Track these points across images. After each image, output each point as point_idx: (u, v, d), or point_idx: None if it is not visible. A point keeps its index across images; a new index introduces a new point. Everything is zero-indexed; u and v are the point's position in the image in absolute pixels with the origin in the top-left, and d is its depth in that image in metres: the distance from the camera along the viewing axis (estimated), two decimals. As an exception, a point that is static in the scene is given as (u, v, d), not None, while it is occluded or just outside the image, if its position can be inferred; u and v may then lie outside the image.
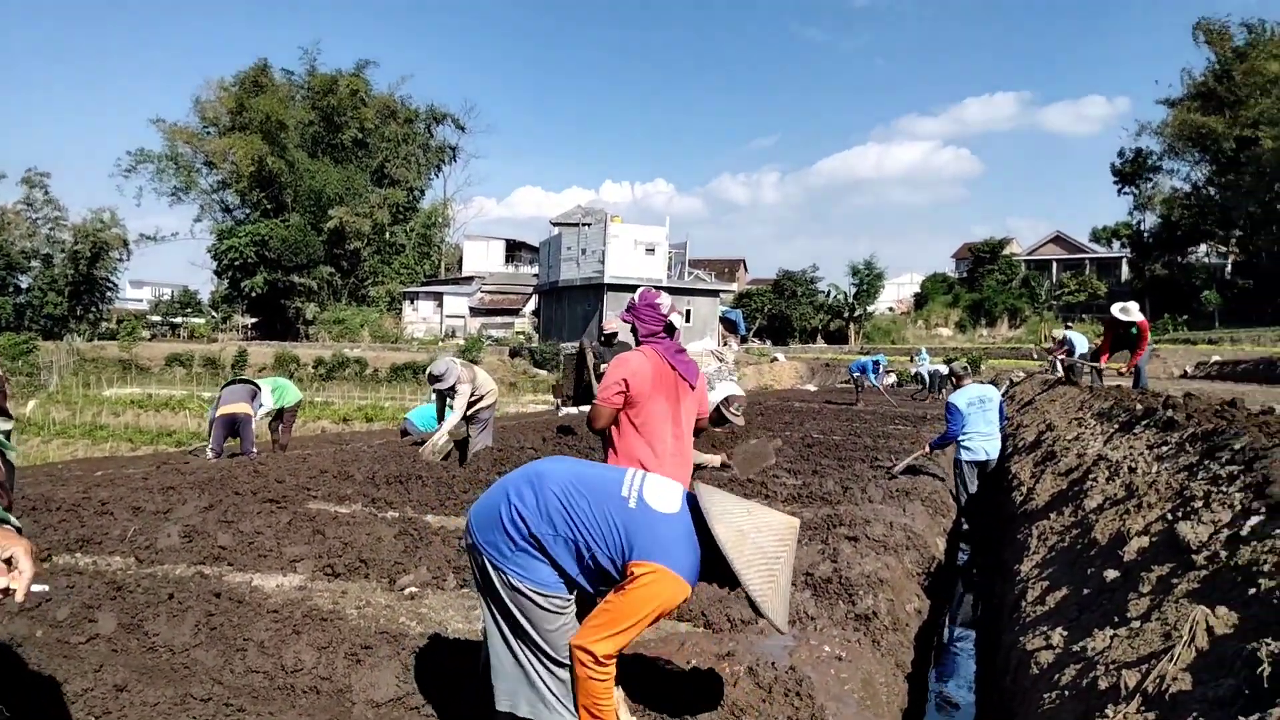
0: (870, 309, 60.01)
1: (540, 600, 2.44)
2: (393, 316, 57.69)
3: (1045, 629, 3.09)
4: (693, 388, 4.04)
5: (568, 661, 2.47)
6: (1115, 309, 10.40)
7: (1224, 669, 1.94)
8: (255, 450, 10.03)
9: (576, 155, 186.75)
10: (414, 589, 4.51)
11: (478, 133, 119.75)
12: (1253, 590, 2.18)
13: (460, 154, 68.91)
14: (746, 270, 74.96)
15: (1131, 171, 58.19)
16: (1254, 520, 2.59)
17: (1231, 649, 1.97)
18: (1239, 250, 52.53)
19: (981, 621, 5.98)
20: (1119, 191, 60.28)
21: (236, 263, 54.01)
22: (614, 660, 2.43)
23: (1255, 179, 46.58)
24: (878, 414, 17.09)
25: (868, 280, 58.65)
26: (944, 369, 24.54)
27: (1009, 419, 11.48)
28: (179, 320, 55.43)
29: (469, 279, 60.44)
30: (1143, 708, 2.05)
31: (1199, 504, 2.92)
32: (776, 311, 57.67)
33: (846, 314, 58.73)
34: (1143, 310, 10.65)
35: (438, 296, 58.22)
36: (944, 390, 19.60)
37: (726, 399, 9.82)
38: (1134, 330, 10.15)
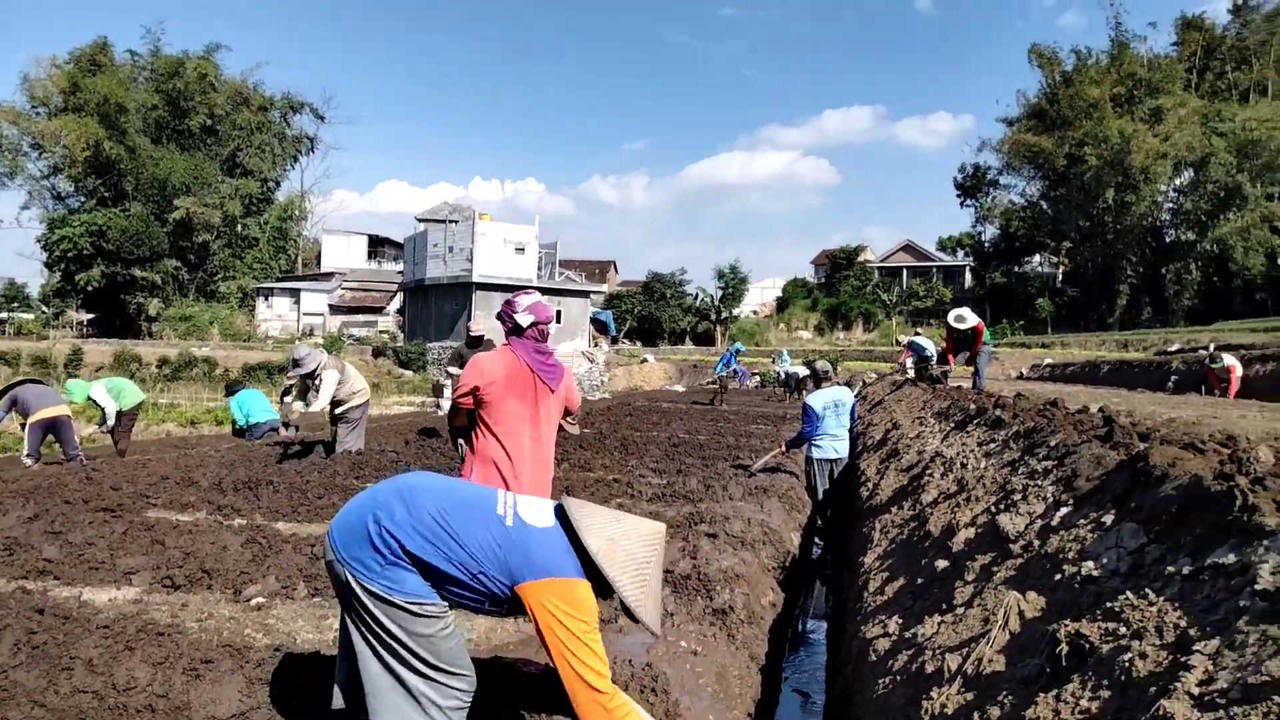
0: (736, 312, 61.80)
1: (415, 609, 2.39)
2: (245, 314, 54.68)
3: (883, 618, 3.28)
4: (553, 390, 4.05)
5: (448, 668, 2.45)
6: (951, 318, 11.44)
7: (1032, 650, 2.12)
8: (82, 454, 9.33)
9: (445, 150, 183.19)
10: (261, 599, 4.31)
11: (338, 123, 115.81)
12: (1059, 576, 2.39)
13: (319, 145, 66.11)
14: (617, 272, 75.55)
15: (972, 185, 62.36)
16: (1063, 511, 2.84)
17: (1038, 631, 2.15)
18: (1069, 261, 57.07)
19: (832, 613, 6.25)
20: (962, 204, 64.58)
21: (70, 254, 49.86)
22: (607, 682, 2.42)
23: (1082, 194, 50.83)
24: (741, 414, 17.61)
25: (733, 284, 60.41)
26: (804, 370, 25.56)
27: (860, 418, 12.07)
28: (4, 316, 50.79)
29: (328, 275, 58.12)
30: (963, 689, 2.21)
31: (1018, 497, 3.18)
32: (646, 313, 58.49)
33: (713, 316, 60.19)
34: (984, 316, 11.66)
35: (294, 293, 55.67)
36: (804, 390, 20.34)
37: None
38: (970, 333, 11.14)
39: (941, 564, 3.23)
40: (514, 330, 3.94)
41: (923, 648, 2.64)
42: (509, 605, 2.49)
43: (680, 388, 33.90)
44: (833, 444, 8.40)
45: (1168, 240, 52.39)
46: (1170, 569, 1.97)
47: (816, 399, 8.38)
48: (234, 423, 11.88)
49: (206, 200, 53.42)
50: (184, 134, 55.92)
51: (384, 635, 2.40)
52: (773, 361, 31.79)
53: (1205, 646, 1.53)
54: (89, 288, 50.75)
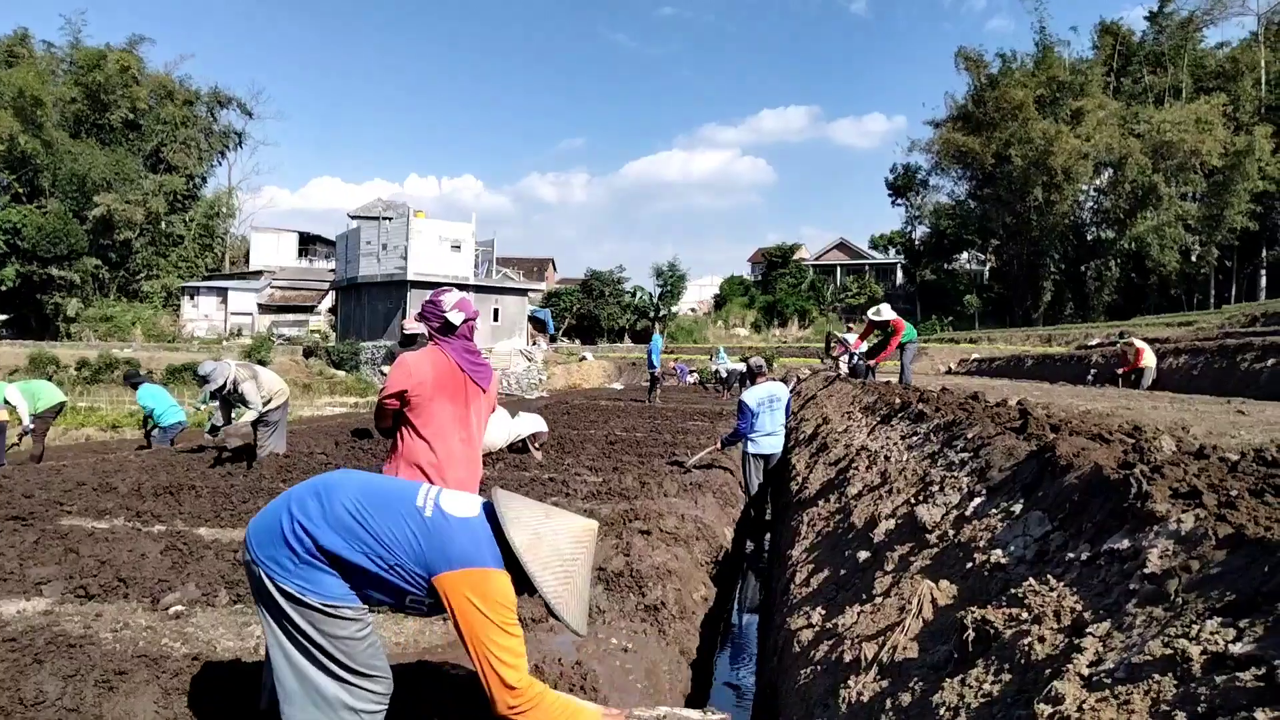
0: (674, 309, 62.16)
1: (330, 611, 2.34)
2: (170, 314, 52.93)
3: (807, 609, 3.34)
4: (484, 390, 3.99)
5: (363, 671, 2.40)
6: (870, 311, 11.87)
7: (943, 637, 2.18)
8: (5, 460, 8.94)
9: (380, 146, 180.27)
10: (180, 607, 4.19)
11: (267, 118, 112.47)
12: (970, 564, 2.46)
13: (247, 140, 64.35)
14: (555, 270, 75.23)
15: (903, 185, 63.84)
16: (976, 501, 2.92)
17: (950, 619, 2.21)
18: (996, 258, 58.78)
19: (764, 606, 6.34)
20: (893, 203, 66.04)
21: (-19, 252, 47.68)
22: (522, 676, 2.37)
23: (1008, 194, 52.41)
24: (678, 411, 17.71)
25: (671, 282, 60.73)
26: (743, 367, 25.82)
27: (794, 414, 12.25)
28: (-90, 317, 48.24)
29: (257, 274, 56.57)
30: (878, 676, 2.26)
31: (936, 488, 3.26)
32: (585, 311, 58.39)
33: (652, 314, 60.39)
34: (914, 312, 12.09)
35: (221, 292, 54.03)
36: (742, 387, 20.52)
37: (534, 435, 9.89)
38: (889, 329, 11.53)
39: (863, 555, 3.30)
40: (444, 329, 3.87)
41: (843, 637, 2.69)
42: (429, 602, 2.44)
43: (619, 385, 33.95)
44: (768, 440, 8.43)
45: (1089, 238, 54.42)
46: (1071, 555, 2.04)
47: (752, 395, 8.45)
48: (145, 420, 11.49)
49: (128, 197, 51.60)
50: (105, 128, 53.95)
51: (298, 636, 2.36)
52: (710, 359, 32.02)
53: (1097, 629, 1.59)
54: (2, 287, 48.50)
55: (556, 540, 2.44)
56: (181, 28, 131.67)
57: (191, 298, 54.28)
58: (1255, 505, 1.79)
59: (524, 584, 2.46)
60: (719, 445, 9.17)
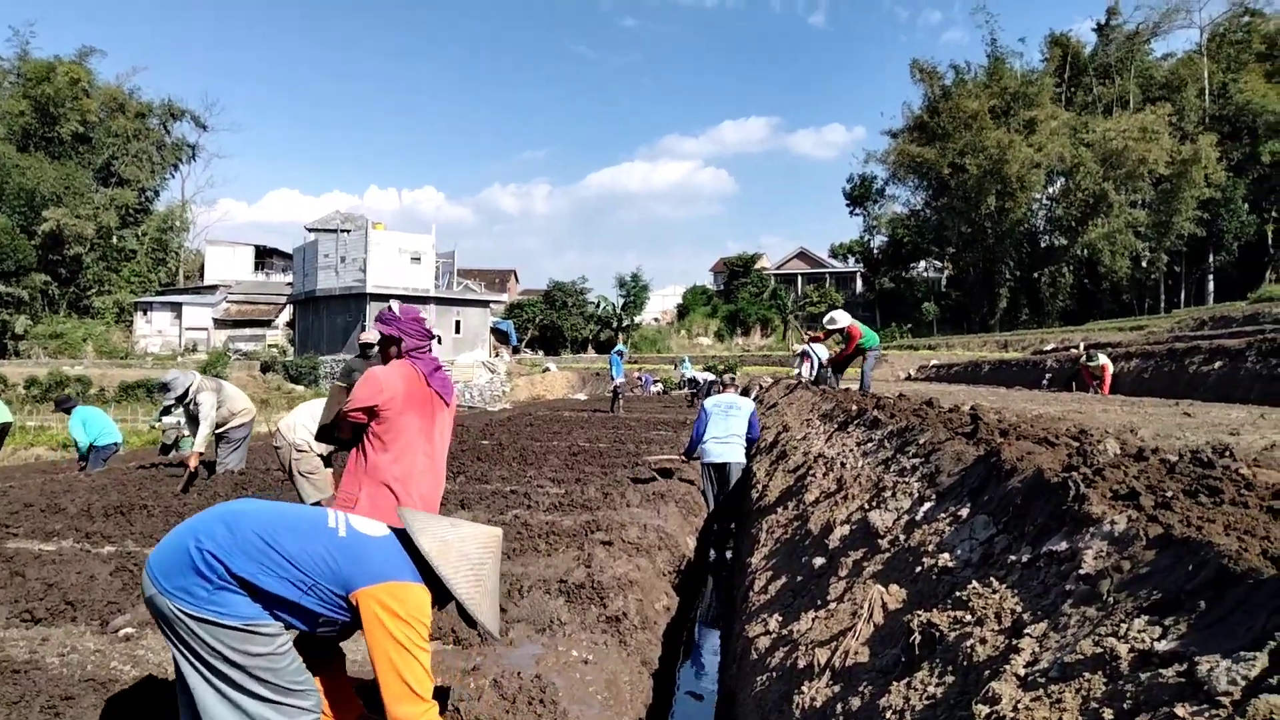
0: (638, 320, 62.31)
1: (246, 632, 2.32)
2: (122, 330, 51.86)
3: (765, 616, 3.36)
4: (448, 404, 4.02)
5: (289, 687, 2.39)
6: (825, 320, 12.03)
7: (892, 640, 2.21)
8: None
9: (339, 159, 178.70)
10: (130, 630, 4.10)
11: (222, 131, 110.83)
12: (919, 568, 2.50)
13: (201, 153, 63.55)
14: (518, 281, 75.01)
15: (861, 195, 64.78)
16: (926, 506, 2.97)
17: (899, 623, 2.25)
18: (952, 266, 59.76)
19: (725, 614, 6.36)
20: (851, 213, 66.89)
21: (-73, 269, 46.39)
22: (428, 694, 2.40)
23: (963, 203, 53.36)
24: (642, 421, 17.73)
25: (634, 292, 60.88)
26: (704, 376, 26.00)
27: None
28: None
29: (212, 288, 55.63)
30: (831, 681, 2.29)
31: (889, 494, 3.31)
32: (548, 322, 58.30)
33: (615, 324, 60.45)
34: (874, 319, 12.29)
35: (176, 307, 52.99)
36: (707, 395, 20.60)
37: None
38: (845, 334, 11.71)
39: (819, 561, 3.34)
40: (416, 344, 3.91)
41: (798, 644, 2.72)
42: (342, 622, 2.46)
43: (583, 396, 33.89)
44: (721, 447, 8.06)
45: (1042, 245, 55.55)
46: (1013, 557, 2.09)
47: (710, 399, 8.52)
48: (76, 445, 11.01)
49: (79, 211, 50.60)
50: (54, 142, 52.93)
51: (217, 663, 2.32)
52: (675, 367, 32.14)
53: (1034, 629, 1.63)
54: (-53, 305, 47.29)
55: (464, 546, 2.53)
56: (134, 39, 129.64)
57: (145, 313, 53.18)
58: (1189, 505, 1.85)
59: (440, 597, 2.54)
60: (682, 456, 9.21)
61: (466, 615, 2.48)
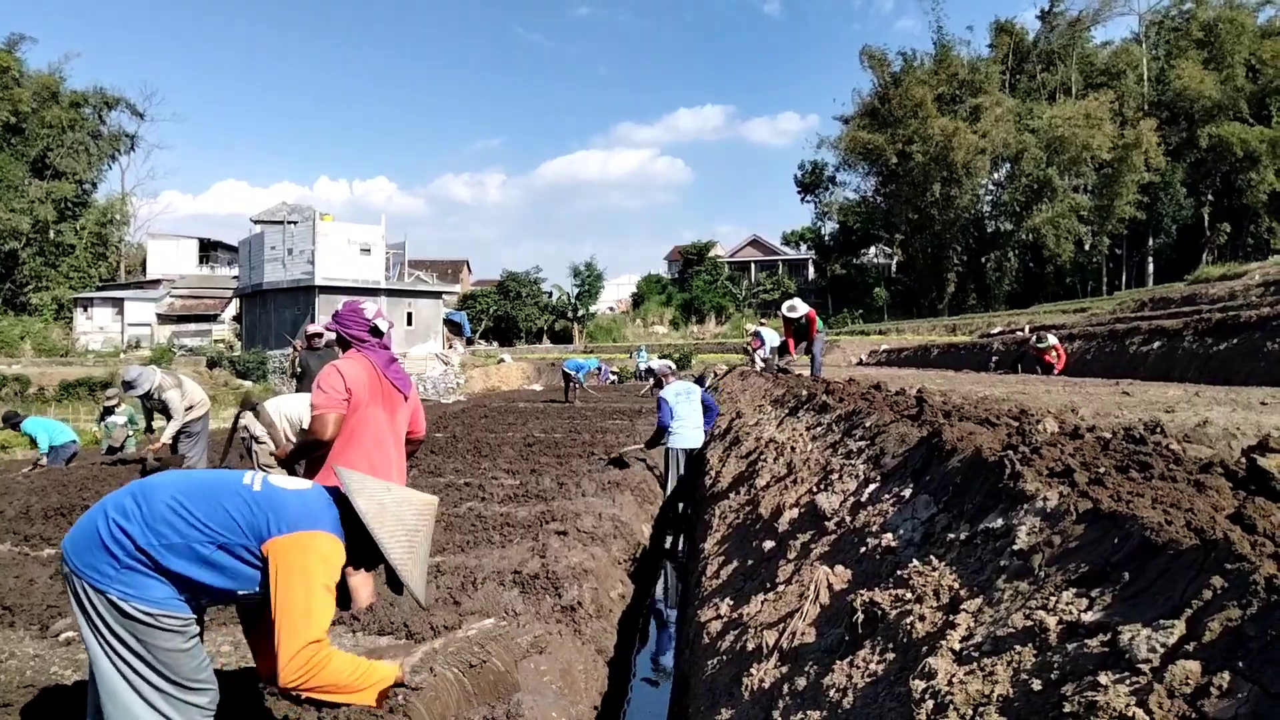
0: (592, 309, 62.12)
1: (152, 621, 2.28)
2: (62, 326, 50.24)
3: (717, 600, 3.39)
4: (406, 398, 4.00)
5: (187, 684, 2.36)
6: (784, 308, 12.17)
7: (837, 620, 2.25)
8: None
9: (287, 149, 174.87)
10: (71, 634, 4.00)
11: (162, 120, 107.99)
12: (864, 549, 2.54)
13: (140, 144, 61.56)
14: (470, 271, 74.34)
15: (812, 182, 65.31)
16: (871, 488, 3.02)
17: (844, 603, 2.28)
18: (902, 252, 60.61)
19: (681, 600, 6.40)
20: (803, 200, 67.43)
21: None
22: (323, 639, 2.30)
23: (911, 189, 54.13)
24: (597, 410, 17.73)
25: (589, 281, 60.64)
26: (662, 364, 26.04)
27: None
28: None
29: (155, 282, 54.12)
30: (779, 663, 2.32)
31: (836, 476, 3.36)
32: (502, 313, 57.87)
33: (570, 314, 60.21)
34: (826, 305, 12.37)
35: (117, 303, 51.44)
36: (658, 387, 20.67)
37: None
38: (804, 321, 11.80)
39: (769, 544, 3.37)
40: (372, 333, 3.88)
41: (747, 627, 2.75)
42: (262, 581, 2.36)
43: (539, 386, 33.76)
44: (692, 432, 8.54)
45: (989, 230, 56.62)
46: (952, 536, 2.13)
47: (668, 390, 8.65)
48: (37, 445, 10.96)
49: (13, 205, 48.88)
50: (-16, 133, 50.93)
51: (119, 649, 2.29)
52: (631, 356, 32.17)
53: (970, 605, 1.67)
54: (-126, 304, 45.43)
55: (400, 511, 2.48)
56: (67, 26, 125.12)
57: (85, 309, 51.57)
58: (1120, 481, 1.90)
59: (362, 558, 2.49)
60: (643, 446, 9.26)
61: (396, 581, 2.43)
